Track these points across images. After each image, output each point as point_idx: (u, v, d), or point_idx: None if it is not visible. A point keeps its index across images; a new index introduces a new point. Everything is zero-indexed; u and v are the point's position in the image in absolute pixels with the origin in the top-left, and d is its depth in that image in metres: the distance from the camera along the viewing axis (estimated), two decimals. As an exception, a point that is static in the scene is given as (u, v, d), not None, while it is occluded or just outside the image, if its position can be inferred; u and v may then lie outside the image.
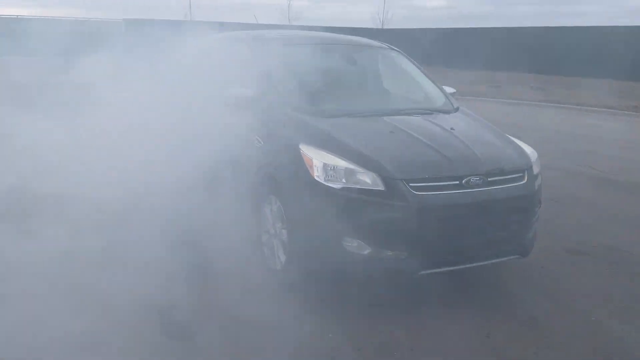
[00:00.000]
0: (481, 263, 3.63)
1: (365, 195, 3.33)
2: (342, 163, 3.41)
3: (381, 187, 3.33)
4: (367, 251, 3.37)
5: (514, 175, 3.68)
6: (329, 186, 3.37)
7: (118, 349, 3.06)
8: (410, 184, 3.35)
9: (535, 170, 3.87)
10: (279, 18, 44.81)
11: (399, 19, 73.10)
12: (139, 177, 4.66)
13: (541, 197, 3.96)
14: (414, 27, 34.04)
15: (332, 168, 3.40)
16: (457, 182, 3.43)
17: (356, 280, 3.52)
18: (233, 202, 4.15)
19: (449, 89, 4.98)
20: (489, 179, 3.54)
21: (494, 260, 3.68)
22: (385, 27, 33.01)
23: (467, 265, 3.59)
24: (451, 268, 3.53)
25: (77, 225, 4.32)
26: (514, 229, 3.67)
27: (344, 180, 3.37)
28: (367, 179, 3.36)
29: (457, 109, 4.53)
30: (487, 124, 4.35)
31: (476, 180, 3.48)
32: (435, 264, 3.46)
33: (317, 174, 3.42)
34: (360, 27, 35.04)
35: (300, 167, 3.52)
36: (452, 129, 3.95)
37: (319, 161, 3.44)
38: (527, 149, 4.04)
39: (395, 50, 5.21)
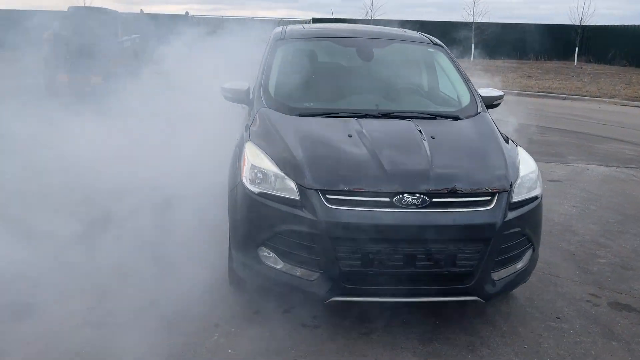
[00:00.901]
0: (420, 299, 3.08)
1: (279, 204, 3.04)
2: (269, 166, 3.15)
3: (296, 196, 3.02)
4: (280, 266, 3.08)
5: (473, 199, 3.03)
6: (250, 190, 3.15)
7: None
8: (327, 196, 2.96)
9: (520, 195, 3.15)
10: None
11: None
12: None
13: (535, 227, 3.19)
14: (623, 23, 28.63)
15: (259, 170, 3.17)
16: (388, 199, 2.95)
17: (275, 295, 3.29)
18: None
19: (494, 92, 4.29)
20: (433, 200, 2.97)
21: (439, 299, 3.09)
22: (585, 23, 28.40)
23: (400, 300, 3.07)
24: (375, 300, 3.07)
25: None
26: (468, 264, 3.02)
27: (265, 185, 3.12)
28: (287, 185, 3.06)
29: (475, 115, 3.84)
30: (493, 135, 3.60)
31: (412, 199, 2.94)
32: (351, 292, 3.01)
33: (245, 175, 3.23)
34: (556, 23, 31.05)
35: (239, 166, 3.37)
36: (432, 137, 3.39)
37: (248, 162, 3.25)
38: (527, 169, 3.30)
39: (438, 45, 4.62)
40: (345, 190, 2.96)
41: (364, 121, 3.58)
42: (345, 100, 4.09)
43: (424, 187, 2.97)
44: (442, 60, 4.52)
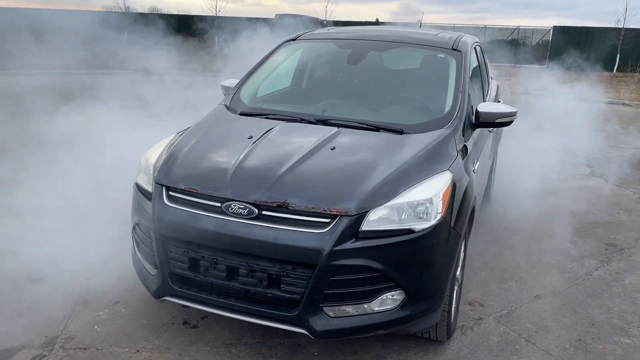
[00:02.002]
0: (245, 318, 2.81)
1: (140, 195, 3.12)
2: (153, 159, 3.23)
3: (150, 190, 3.05)
4: (138, 255, 3.17)
5: (308, 218, 2.65)
6: (135, 181, 3.29)
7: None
8: (170, 193, 2.93)
9: (381, 225, 2.67)
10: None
11: None
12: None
13: (403, 265, 2.68)
14: None
15: (146, 162, 3.27)
16: (218, 204, 2.78)
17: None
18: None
19: (500, 108, 3.73)
20: (262, 212, 2.70)
21: (263, 323, 2.77)
22: None
23: (226, 315, 2.85)
24: (202, 308, 2.90)
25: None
26: (294, 291, 2.66)
27: (143, 176, 3.21)
28: (151, 179, 3.10)
29: (430, 131, 3.33)
30: (402, 154, 3.06)
31: (239, 208, 2.72)
32: (181, 295, 2.91)
33: (139, 167, 3.36)
34: None
35: None
36: (332, 148, 3.08)
37: (144, 155, 3.37)
38: (414, 197, 2.77)
39: (456, 51, 4.07)
40: (182, 189, 2.88)
41: (288, 125, 3.41)
42: (304, 103, 3.92)
43: (253, 197, 2.72)
44: (449, 67, 3.95)
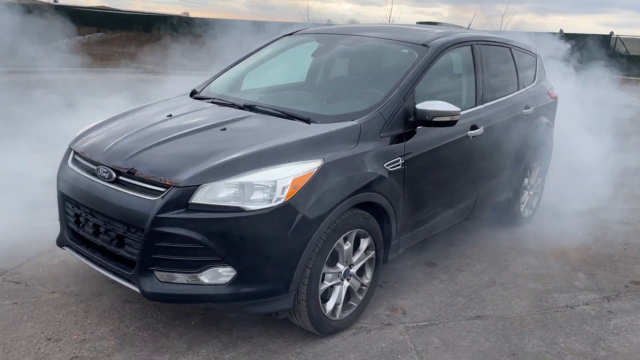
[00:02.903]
0: (105, 273, 3.06)
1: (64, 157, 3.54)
2: (84, 129, 3.67)
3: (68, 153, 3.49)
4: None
5: (149, 186, 2.86)
6: None
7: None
8: (74, 156, 3.35)
9: (213, 200, 2.76)
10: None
11: None
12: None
13: (229, 241, 2.75)
14: None
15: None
16: (94, 167, 3.11)
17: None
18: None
19: (440, 106, 3.49)
20: (119, 177, 2.98)
21: (116, 279, 3.01)
22: None
23: (94, 267, 3.13)
24: (81, 259, 3.22)
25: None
26: (131, 251, 2.89)
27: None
28: None
29: (333, 122, 3.33)
30: (279, 138, 3.10)
31: (104, 171, 3.03)
32: (72, 247, 3.27)
33: None
34: None
35: None
36: (223, 129, 3.27)
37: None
38: (257, 178, 2.82)
39: (424, 46, 3.93)
40: (77, 153, 3.28)
41: (211, 107, 3.68)
42: (253, 90, 4.07)
43: (114, 163, 3.00)
44: (406, 62, 3.82)
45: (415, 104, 3.53)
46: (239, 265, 2.78)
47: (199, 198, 2.74)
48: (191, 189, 2.75)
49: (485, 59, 4.48)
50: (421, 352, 3.18)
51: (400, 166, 3.42)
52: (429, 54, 3.83)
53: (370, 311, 3.57)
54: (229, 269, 2.78)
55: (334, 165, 3.02)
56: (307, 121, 3.33)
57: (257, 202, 2.76)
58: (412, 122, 3.52)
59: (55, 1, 30.50)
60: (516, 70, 4.95)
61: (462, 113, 3.97)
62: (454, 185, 4.04)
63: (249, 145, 3.01)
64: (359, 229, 3.22)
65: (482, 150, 4.24)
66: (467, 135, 4.04)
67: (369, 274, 3.44)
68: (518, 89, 4.95)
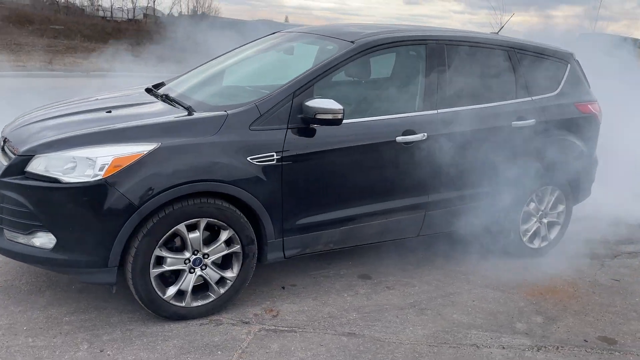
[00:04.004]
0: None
1: None
2: None
3: None
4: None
5: (9, 153, 3.26)
6: None
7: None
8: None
9: (40, 170, 3.03)
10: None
11: None
12: None
13: (43, 208, 3.01)
14: None
15: None
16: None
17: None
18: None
19: (322, 103, 3.36)
20: (4, 146, 3.42)
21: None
22: None
23: None
24: None
25: None
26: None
27: None
28: None
29: (208, 111, 3.43)
30: (148, 123, 3.28)
31: (1, 140, 3.51)
32: None
33: None
34: None
35: None
36: (108, 111, 3.55)
37: None
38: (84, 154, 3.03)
39: (342, 44, 3.77)
40: None
41: (131, 94, 3.99)
42: (191, 85, 4.21)
43: (4, 133, 3.46)
44: (322, 58, 3.71)
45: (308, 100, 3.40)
46: (58, 233, 3.00)
47: (32, 167, 3.04)
48: (26, 158, 3.05)
49: (452, 61, 4.04)
50: (245, 353, 3.06)
51: (274, 162, 3.32)
52: (347, 50, 3.64)
53: (242, 307, 3.51)
54: (51, 235, 3.02)
55: (173, 151, 3.08)
56: (189, 110, 3.43)
57: (76, 176, 2.97)
58: (302, 118, 3.39)
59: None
60: (515, 76, 4.34)
61: (393, 117, 3.73)
62: (373, 193, 3.73)
63: (104, 126, 3.22)
64: (211, 219, 3.21)
65: (424, 160, 3.83)
66: (394, 141, 3.70)
67: (235, 269, 3.39)
68: (515, 97, 4.34)
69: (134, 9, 38.10)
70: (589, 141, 4.72)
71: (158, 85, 4.26)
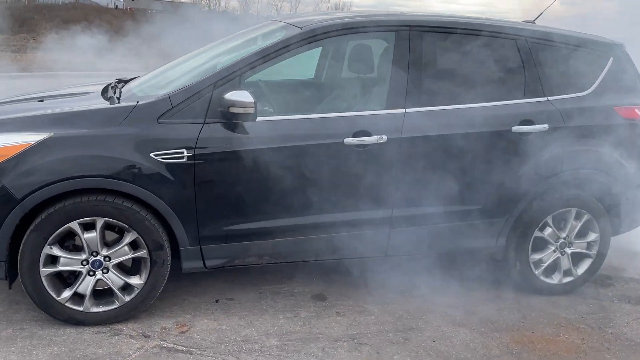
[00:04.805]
0: None
1: None
2: None
3: None
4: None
5: None
6: None
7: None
8: None
9: None
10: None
11: None
12: None
13: None
14: None
15: None
16: None
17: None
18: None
19: (235, 96, 2.95)
20: None
21: None
22: None
23: None
24: None
25: None
26: None
27: None
28: None
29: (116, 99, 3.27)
30: (54, 111, 3.13)
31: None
32: None
33: None
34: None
35: None
36: (40, 100, 3.44)
37: None
38: None
39: (290, 29, 3.32)
40: None
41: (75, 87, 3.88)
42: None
43: None
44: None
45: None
46: None
47: None
48: None
49: (432, 52, 3.39)
50: (119, 371, 2.74)
51: (185, 160, 2.97)
52: (290, 37, 3.18)
53: (153, 318, 3.20)
54: None
55: (65, 143, 2.87)
56: (115, 100, 3.22)
57: None
58: (221, 112, 3.01)
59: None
60: (525, 70, 3.54)
61: (342, 115, 3.23)
62: (316, 202, 3.22)
63: (18, 113, 3.09)
64: (109, 219, 2.95)
65: (383, 167, 3.24)
66: (342, 143, 3.17)
67: (143, 276, 3.10)
68: (523, 97, 3.54)
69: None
70: (634, 156, 3.73)
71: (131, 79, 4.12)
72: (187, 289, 3.52)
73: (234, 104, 2.88)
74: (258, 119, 3.00)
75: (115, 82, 3.79)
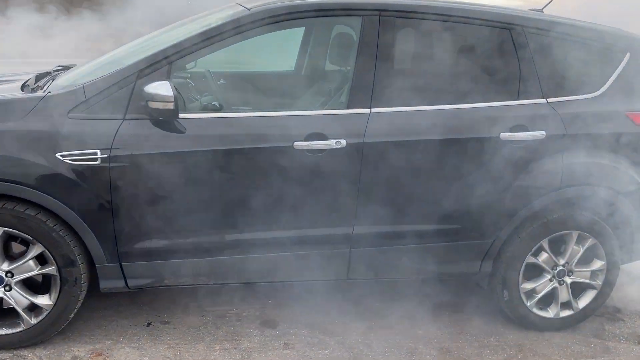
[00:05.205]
0: None
1: None
2: None
3: None
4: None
5: None
6: None
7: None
8: None
9: None
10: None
11: None
12: None
13: None
14: None
15: None
16: None
17: None
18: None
19: (156, 89, 2.48)
20: None
21: None
22: None
23: None
24: None
25: None
26: None
27: None
28: None
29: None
30: None
31: None
32: None
33: None
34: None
35: None
36: None
37: None
38: None
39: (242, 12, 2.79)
40: None
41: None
42: None
43: None
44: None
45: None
46: None
47: None
48: None
49: (407, 41, 2.86)
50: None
51: (98, 162, 2.51)
52: (232, 20, 2.69)
53: (67, 344, 2.78)
54: None
55: None
56: (30, 90, 2.81)
57: None
58: (144, 107, 2.54)
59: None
60: (520, 66, 2.98)
61: (293, 114, 2.74)
62: (258, 215, 2.73)
63: None
64: (8, 229, 2.52)
65: (341, 176, 2.74)
66: (291, 147, 2.67)
67: (52, 295, 2.66)
68: (517, 98, 2.98)
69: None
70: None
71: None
72: (120, 307, 3.08)
73: (152, 97, 2.42)
74: (186, 116, 2.53)
75: (55, 70, 3.36)
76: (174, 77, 2.77)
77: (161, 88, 2.40)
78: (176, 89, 2.49)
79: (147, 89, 2.43)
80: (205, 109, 2.87)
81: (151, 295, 3.19)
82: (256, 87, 3.43)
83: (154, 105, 2.42)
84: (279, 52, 3.63)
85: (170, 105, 2.40)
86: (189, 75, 3.28)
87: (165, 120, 2.52)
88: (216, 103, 2.91)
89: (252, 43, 2.82)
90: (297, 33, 3.48)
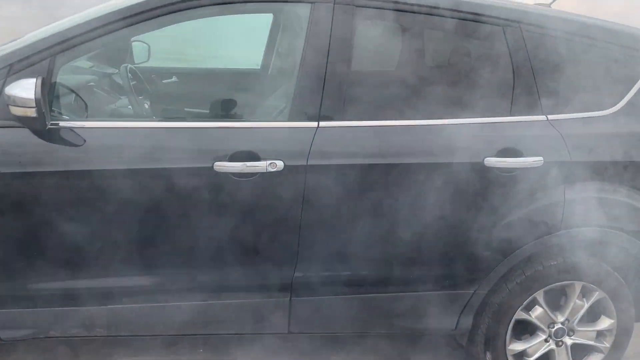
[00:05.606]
0: None
1: None
2: None
3: None
4: None
5: None
6: None
7: None
8: None
9: None
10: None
11: None
12: None
13: None
14: None
15: None
16: None
17: None
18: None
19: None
20: None
21: None
22: None
23: None
24: None
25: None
26: None
27: None
28: None
29: None
30: None
31: None
32: None
33: None
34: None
35: None
36: None
37: None
38: None
39: None
40: None
41: None
42: None
43: None
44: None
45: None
46: None
47: None
48: None
49: (370, 40, 2.26)
50: None
51: None
52: (144, 2, 2.10)
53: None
54: None
55: None
56: None
57: None
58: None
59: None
60: (514, 74, 2.36)
61: (215, 127, 2.15)
62: (171, 255, 2.14)
63: None
64: None
65: (278, 206, 2.14)
66: (211, 168, 2.07)
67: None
68: (509, 114, 2.36)
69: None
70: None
71: None
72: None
73: (13, 101, 1.83)
74: (67, 124, 1.94)
75: None
76: (79, 74, 2.19)
77: (23, 88, 1.81)
78: (67, 89, 1.92)
79: (7, 90, 1.85)
80: (114, 115, 2.29)
81: (51, 340, 2.60)
82: (199, 88, 2.86)
83: (14, 110, 1.84)
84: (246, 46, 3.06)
85: (31, 112, 1.81)
86: (117, 72, 2.71)
87: (37, 130, 1.94)
88: (130, 107, 2.33)
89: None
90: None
